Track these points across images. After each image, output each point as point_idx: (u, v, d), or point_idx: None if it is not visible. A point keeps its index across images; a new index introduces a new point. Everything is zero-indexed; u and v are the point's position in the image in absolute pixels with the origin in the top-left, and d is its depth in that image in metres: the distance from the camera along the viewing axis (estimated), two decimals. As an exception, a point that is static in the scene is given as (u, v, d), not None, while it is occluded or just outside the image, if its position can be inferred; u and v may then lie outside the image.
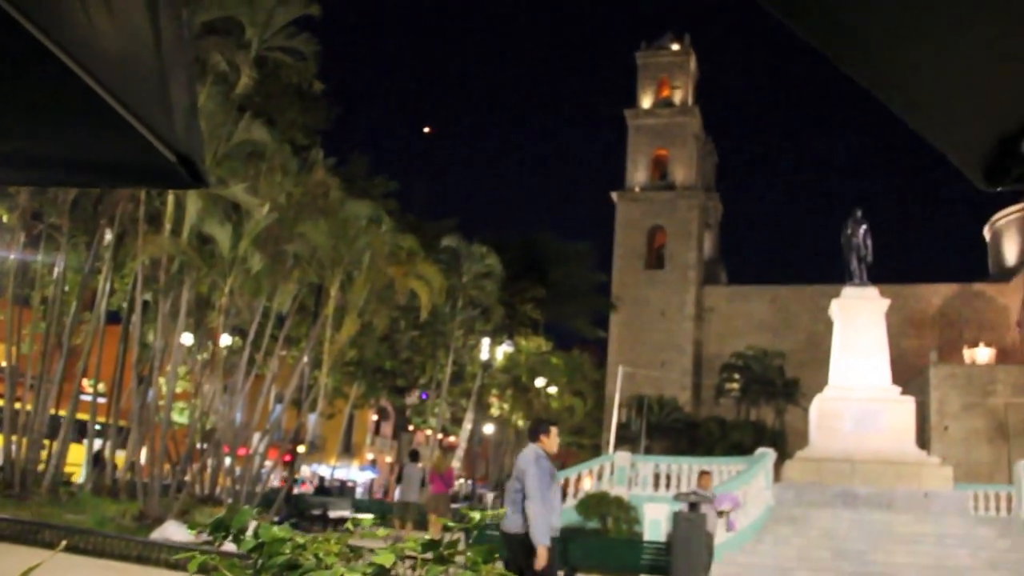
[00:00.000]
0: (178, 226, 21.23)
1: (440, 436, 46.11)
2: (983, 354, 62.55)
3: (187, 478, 21.90)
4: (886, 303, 25.94)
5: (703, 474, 15.46)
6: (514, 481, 7.29)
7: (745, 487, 19.68)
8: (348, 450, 56.40)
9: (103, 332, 25.42)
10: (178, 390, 26.60)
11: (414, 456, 21.82)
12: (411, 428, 58.03)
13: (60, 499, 20.01)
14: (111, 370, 25.54)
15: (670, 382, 69.73)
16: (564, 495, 20.02)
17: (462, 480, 56.98)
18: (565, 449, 58.92)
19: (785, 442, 50.64)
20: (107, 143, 1.87)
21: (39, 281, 25.39)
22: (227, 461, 23.71)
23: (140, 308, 22.90)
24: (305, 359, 26.65)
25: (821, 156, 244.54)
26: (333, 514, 24.51)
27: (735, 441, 54.12)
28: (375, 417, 60.26)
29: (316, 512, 24.59)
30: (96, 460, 24.97)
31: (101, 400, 26.54)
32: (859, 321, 25.49)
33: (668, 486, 22.64)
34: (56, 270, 23.97)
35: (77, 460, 26.97)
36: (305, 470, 45.66)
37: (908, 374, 52.15)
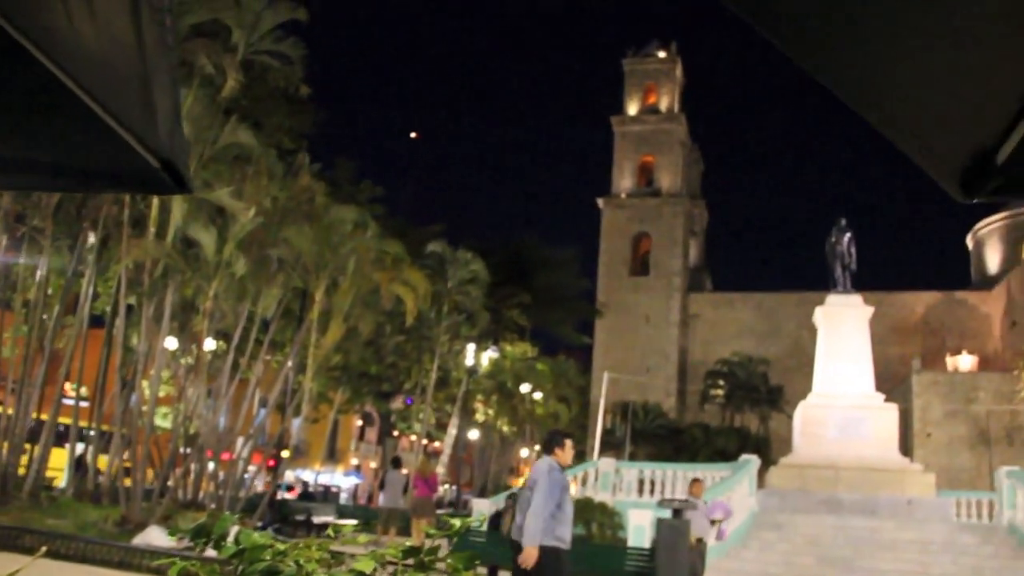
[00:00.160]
0: (163, 229, 21.16)
1: (425, 442, 46.01)
2: (965, 361, 62.97)
3: (170, 483, 21.78)
4: (870, 311, 26.08)
5: (695, 481, 15.11)
6: (526, 491, 7.40)
7: (729, 493, 19.72)
8: (333, 455, 56.21)
9: (86, 336, 25.28)
10: (161, 394, 26.50)
11: (396, 463, 21.79)
12: (396, 433, 57.92)
13: (41, 504, 19.86)
14: (94, 374, 25.41)
15: (655, 388, 69.86)
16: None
17: (447, 485, 56.88)
18: (549, 455, 58.83)
19: (769, 449, 50.78)
20: (89, 148, 1.87)
21: (21, 284, 25.23)
22: (211, 466, 23.61)
23: (124, 312, 22.79)
24: (290, 363, 26.59)
25: (806, 164, 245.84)
26: (317, 519, 24.44)
27: (719, 447, 54.19)
28: (360, 422, 60.10)
29: (300, 518, 24.52)
30: (78, 464, 24.82)
31: (84, 404, 26.37)
32: (843, 328, 25.61)
33: (652, 492, 22.68)
34: (39, 273, 23.83)
35: (59, 465, 26.80)
36: (289, 475, 45.46)
37: (892, 381, 52.43)
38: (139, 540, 14.68)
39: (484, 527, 15.51)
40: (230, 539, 2.55)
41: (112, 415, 23.81)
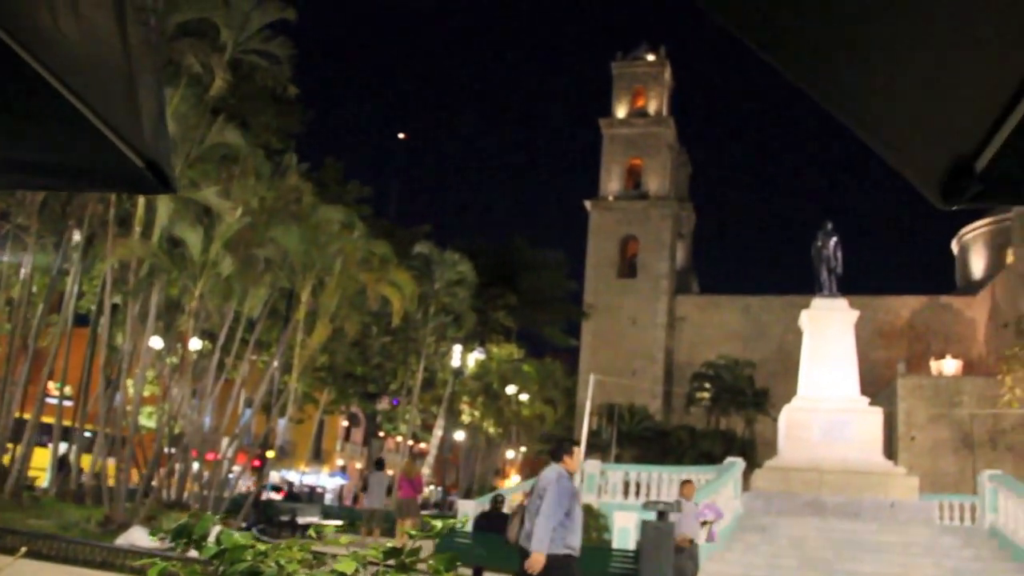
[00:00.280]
0: (148, 228, 21.07)
1: (411, 443, 45.95)
2: (950, 366, 63.27)
3: (154, 483, 21.69)
4: (855, 314, 26.17)
5: (686, 482, 14.82)
6: (535, 498, 7.43)
7: (715, 496, 19.76)
8: (318, 456, 56.07)
9: (71, 334, 25.15)
10: (146, 394, 26.37)
11: (380, 464, 21.78)
12: (382, 434, 57.84)
13: (23, 503, 19.74)
14: (78, 373, 25.27)
15: (641, 391, 69.92)
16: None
17: (432, 487, 56.81)
18: (534, 457, 58.96)
19: (754, 451, 50.95)
20: (73, 147, 1.86)
21: (5, 282, 25.07)
22: (195, 466, 23.52)
23: (109, 311, 22.68)
24: (275, 364, 26.50)
25: (794, 168, 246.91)
26: (302, 520, 24.34)
27: (705, 450, 54.30)
28: (345, 423, 59.97)
29: (284, 518, 24.43)
30: (61, 464, 24.67)
31: (67, 403, 26.23)
32: (829, 332, 25.70)
33: (638, 494, 22.70)
34: (23, 271, 23.69)
35: (42, 464, 26.62)
36: (274, 476, 45.32)
37: (877, 385, 52.68)
38: (122, 540, 14.60)
39: (468, 528, 15.49)
40: (211, 539, 2.55)
41: (96, 414, 23.69)
